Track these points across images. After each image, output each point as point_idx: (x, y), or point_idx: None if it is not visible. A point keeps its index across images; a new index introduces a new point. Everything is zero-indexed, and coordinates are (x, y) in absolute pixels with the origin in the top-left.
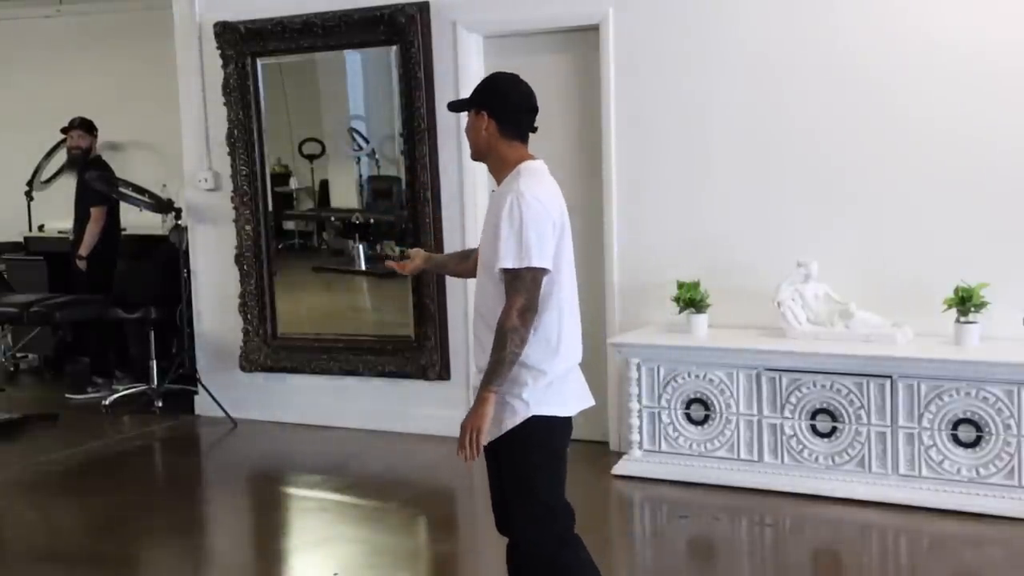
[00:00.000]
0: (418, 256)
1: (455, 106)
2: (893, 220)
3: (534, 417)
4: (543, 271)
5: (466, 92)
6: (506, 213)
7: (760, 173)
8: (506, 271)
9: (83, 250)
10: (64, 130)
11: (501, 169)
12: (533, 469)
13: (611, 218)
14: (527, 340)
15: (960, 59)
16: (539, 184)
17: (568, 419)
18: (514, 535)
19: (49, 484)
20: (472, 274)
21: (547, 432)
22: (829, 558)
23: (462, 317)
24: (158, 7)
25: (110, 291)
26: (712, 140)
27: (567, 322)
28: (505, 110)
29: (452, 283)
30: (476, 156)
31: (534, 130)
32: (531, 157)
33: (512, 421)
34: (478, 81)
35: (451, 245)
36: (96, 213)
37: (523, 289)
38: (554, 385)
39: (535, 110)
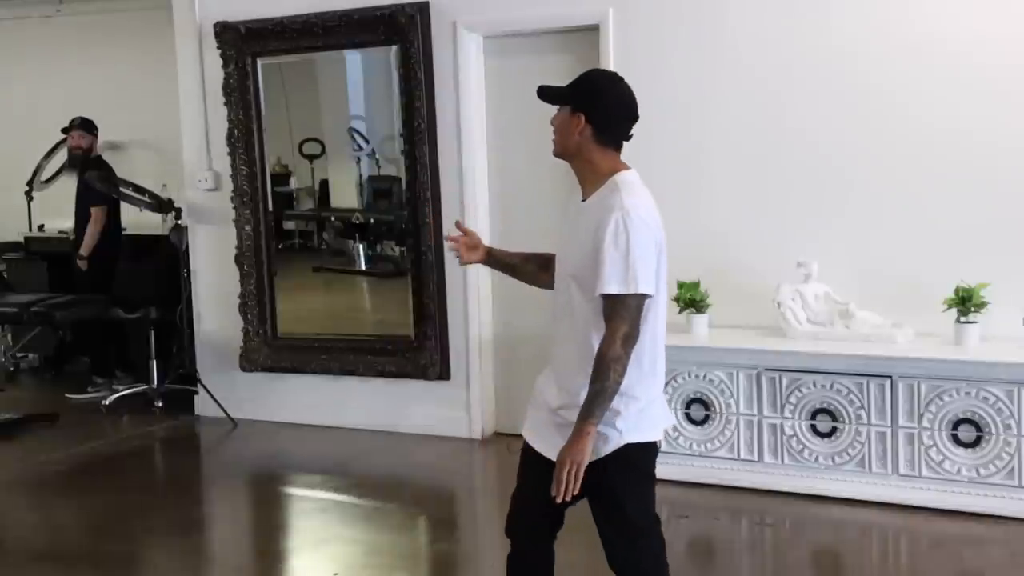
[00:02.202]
0: (480, 247)
1: (549, 95)
2: (893, 220)
3: (628, 445)
4: (646, 296)
5: (466, 92)
6: (611, 233)
7: (760, 173)
8: (609, 296)
9: (83, 250)
10: (64, 130)
11: (590, 177)
12: (624, 493)
13: None
14: (627, 368)
15: (960, 59)
16: (643, 202)
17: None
18: (615, 562)
19: (49, 484)
20: (551, 286)
21: (640, 457)
22: (829, 558)
23: (462, 317)
24: (158, 7)
25: (110, 291)
26: (712, 140)
27: (660, 343)
28: (605, 115)
29: (452, 283)
30: (559, 152)
31: (629, 138)
32: (624, 166)
33: (605, 449)
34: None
35: None
36: (96, 213)
37: (627, 316)
38: (645, 410)
39: (636, 118)
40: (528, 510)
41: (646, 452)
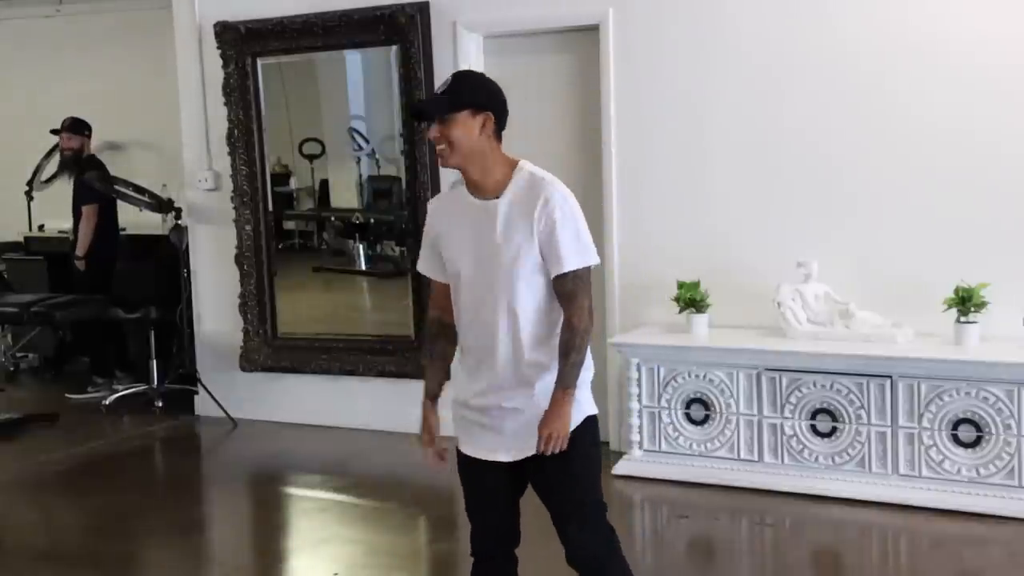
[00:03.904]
0: (434, 432)
1: (445, 106)
2: (893, 220)
3: (588, 417)
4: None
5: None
6: (559, 215)
7: (760, 173)
8: (569, 273)
9: (79, 250)
10: (55, 131)
11: (492, 172)
12: (584, 471)
13: (611, 218)
14: None
15: (962, 59)
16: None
17: None
18: (570, 545)
19: (49, 484)
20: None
21: (593, 431)
22: (829, 558)
23: None
24: (158, 7)
25: (110, 291)
26: (712, 140)
27: None
28: (500, 109)
29: None
30: (460, 161)
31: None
32: (513, 156)
33: (571, 424)
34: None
35: None
36: (88, 211)
37: (587, 288)
38: (588, 383)
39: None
40: (492, 523)
41: (596, 424)
